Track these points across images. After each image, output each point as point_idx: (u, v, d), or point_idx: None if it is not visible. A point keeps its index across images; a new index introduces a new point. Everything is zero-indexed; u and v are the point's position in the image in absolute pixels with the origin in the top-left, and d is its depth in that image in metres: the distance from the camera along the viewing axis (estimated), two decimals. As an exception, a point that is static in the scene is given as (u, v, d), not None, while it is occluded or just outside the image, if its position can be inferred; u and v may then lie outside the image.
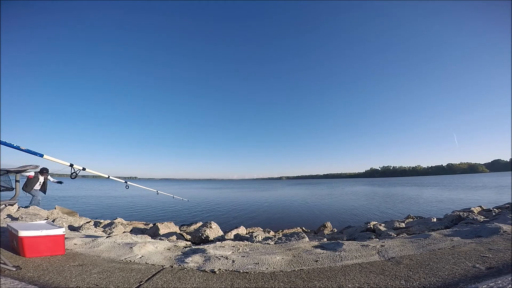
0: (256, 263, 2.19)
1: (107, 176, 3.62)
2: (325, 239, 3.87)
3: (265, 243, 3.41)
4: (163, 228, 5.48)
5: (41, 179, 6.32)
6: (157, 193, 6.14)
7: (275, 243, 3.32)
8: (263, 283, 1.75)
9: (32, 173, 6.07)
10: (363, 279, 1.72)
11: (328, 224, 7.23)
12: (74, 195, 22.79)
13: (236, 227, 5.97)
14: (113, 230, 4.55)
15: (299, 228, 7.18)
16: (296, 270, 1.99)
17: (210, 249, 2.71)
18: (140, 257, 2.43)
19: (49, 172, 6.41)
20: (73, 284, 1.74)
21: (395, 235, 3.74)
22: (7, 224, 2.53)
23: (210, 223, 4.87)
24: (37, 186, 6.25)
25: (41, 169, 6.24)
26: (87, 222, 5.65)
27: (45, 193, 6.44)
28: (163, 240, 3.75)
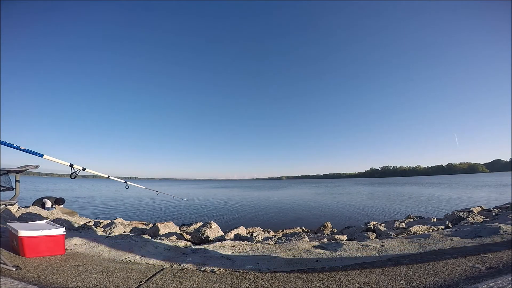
0: (256, 263, 2.19)
1: (107, 176, 3.61)
2: (325, 239, 3.87)
3: (265, 243, 3.41)
4: (163, 228, 5.48)
5: (54, 205, 6.85)
6: (157, 193, 6.13)
7: (275, 243, 3.32)
8: (263, 283, 1.75)
9: (49, 203, 6.71)
10: (363, 279, 1.72)
11: (328, 224, 7.23)
12: (74, 195, 22.79)
13: (236, 227, 5.97)
14: (113, 230, 4.54)
15: (299, 228, 7.17)
16: (296, 270, 1.99)
17: (210, 249, 2.71)
18: (140, 257, 2.43)
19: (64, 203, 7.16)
20: (73, 284, 1.74)
21: (395, 235, 3.74)
22: (7, 224, 2.53)
23: (210, 223, 4.87)
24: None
25: (57, 199, 6.96)
26: (87, 222, 5.65)
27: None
28: (163, 240, 3.75)
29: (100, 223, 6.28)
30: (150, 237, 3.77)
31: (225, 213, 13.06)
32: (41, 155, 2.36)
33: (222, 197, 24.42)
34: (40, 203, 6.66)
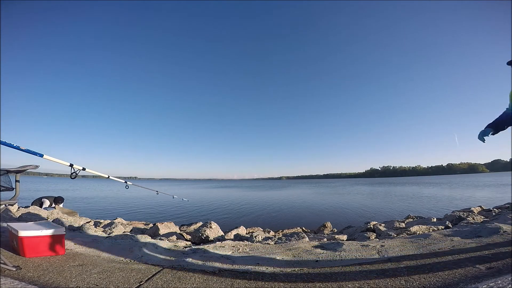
0: (256, 263, 2.19)
1: (107, 176, 3.61)
2: (325, 239, 3.87)
3: (265, 243, 3.41)
4: (163, 228, 5.48)
5: (53, 205, 6.96)
6: (157, 193, 6.13)
7: (275, 243, 3.32)
8: (263, 283, 1.75)
9: (48, 202, 6.83)
10: (363, 279, 1.72)
11: (328, 224, 7.23)
12: (74, 195, 22.79)
13: (236, 227, 5.97)
14: (113, 230, 4.54)
15: (299, 228, 7.17)
16: (296, 270, 1.99)
17: (210, 249, 2.71)
18: (140, 257, 2.43)
19: (63, 201, 7.31)
20: (73, 284, 1.74)
21: (395, 235, 3.74)
22: (7, 224, 2.53)
23: (210, 223, 4.87)
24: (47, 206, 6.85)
25: (56, 197, 7.08)
26: (87, 222, 5.65)
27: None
28: (163, 240, 3.74)
29: (100, 223, 6.28)
30: (150, 237, 3.77)
31: (225, 213, 13.06)
32: (41, 155, 2.36)
33: (222, 197, 24.42)
34: (39, 202, 6.69)
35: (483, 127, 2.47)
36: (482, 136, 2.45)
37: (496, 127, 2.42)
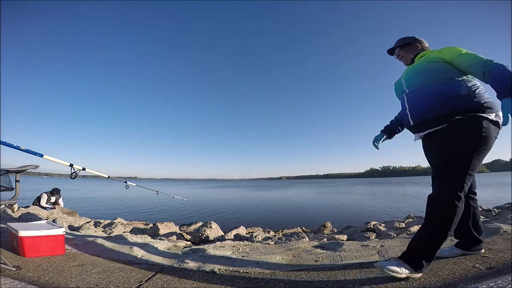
0: (256, 263, 2.18)
1: (107, 176, 3.61)
2: (325, 239, 3.87)
3: (265, 243, 3.41)
4: (163, 228, 5.48)
5: (53, 199, 7.06)
6: (157, 193, 6.14)
7: (275, 243, 3.32)
8: (263, 283, 1.75)
9: (45, 196, 6.87)
10: (363, 279, 1.72)
11: (328, 224, 7.23)
12: (74, 195, 22.80)
13: (236, 227, 5.97)
14: (113, 230, 4.54)
15: (299, 228, 7.18)
16: (296, 270, 1.99)
17: (210, 249, 2.71)
18: (140, 257, 2.43)
19: (60, 193, 7.37)
20: (73, 284, 1.74)
21: (395, 235, 3.74)
22: (7, 224, 2.53)
23: (210, 223, 4.88)
24: (46, 204, 6.88)
25: (52, 191, 7.13)
26: (87, 222, 5.65)
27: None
28: (163, 240, 3.74)
29: (100, 223, 6.28)
30: (150, 237, 3.77)
31: (225, 213, 13.06)
32: (41, 155, 2.37)
33: (222, 197, 24.43)
34: (38, 199, 6.76)
35: None
36: (374, 142, 2.22)
37: (389, 131, 2.18)
